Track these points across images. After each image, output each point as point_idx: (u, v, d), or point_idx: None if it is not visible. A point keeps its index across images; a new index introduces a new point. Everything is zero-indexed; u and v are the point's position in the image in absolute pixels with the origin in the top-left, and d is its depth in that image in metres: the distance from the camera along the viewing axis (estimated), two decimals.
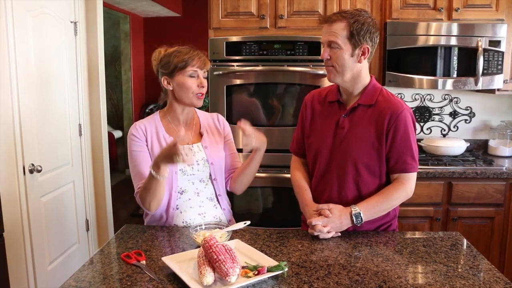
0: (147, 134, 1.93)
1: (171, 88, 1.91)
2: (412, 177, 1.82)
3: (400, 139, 1.77)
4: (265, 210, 3.26)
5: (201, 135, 2.02)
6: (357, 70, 1.80)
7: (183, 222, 1.91)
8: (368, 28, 1.74)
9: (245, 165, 2.04)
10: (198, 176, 1.95)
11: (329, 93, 1.94)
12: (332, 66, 1.79)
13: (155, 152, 1.89)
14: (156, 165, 1.71)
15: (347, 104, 1.87)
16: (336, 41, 1.74)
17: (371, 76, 1.87)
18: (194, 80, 1.88)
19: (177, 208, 1.92)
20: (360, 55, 1.77)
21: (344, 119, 1.84)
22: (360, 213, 1.74)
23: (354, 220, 1.73)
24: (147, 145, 1.92)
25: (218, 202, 2.02)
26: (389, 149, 1.79)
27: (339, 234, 1.75)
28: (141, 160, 1.90)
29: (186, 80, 1.87)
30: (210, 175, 1.99)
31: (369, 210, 1.76)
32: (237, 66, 3.05)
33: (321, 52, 1.82)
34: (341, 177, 1.84)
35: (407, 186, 1.81)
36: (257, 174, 3.08)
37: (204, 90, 1.92)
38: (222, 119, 2.12)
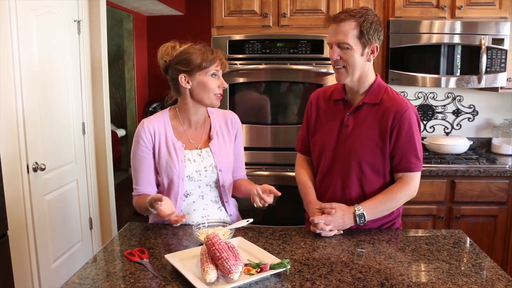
0: (155, 138, 1.87)
1: (189, 87, 1.83)
2: (416, 176, 1.82)
3: (404, 138, 1.77)
4: (268, 208, 3.25)
5: (210, 138, 1.96)
6: (366, 69, 1.80)
7: (186, 225, 1.90)
8: (376, 27, 1.74)
9: (248, 192, 1.87)
10: (205, 181, 1.93)
11: (334, 91, 1.94)
12: (343, 67, 1.77)
13: (162, 156, 1.86)
14: (151, 205, 1.72)
15: (352, 102, 1.86)
16: (347, 41, 1.72)
17: (376, 75, 1.86)
18: (215, 80, 1.84)
19: (181, 211, 1.91)
20: (369, 53, 1.76)
21: (349, 117, 1.84)
22: (363, 213, 1.74)
23: (357, 220, 1.73)
24: (153, 149, 1.88)
25: (225, 208, 1.99)
26: (393, 147, 1.79)
27: (341, 232, 1.75)
28: (143, 166, 1.88)
29: (208, 79, 1.82)
30: (218, 180, 1.96)
31: (372, 210, 1.76)
32: (240, 64, 3.05)
33: (330, 52, 1.78)
34: (345, 175, 1.84)
35: (411, 185, 1.81)
36: (261, 172, 3.12)
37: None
38: (236, 120, 2.04)
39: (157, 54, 1.90)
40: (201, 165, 1.89)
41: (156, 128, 1.88)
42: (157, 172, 1.91)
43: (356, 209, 1.74)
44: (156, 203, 1.68)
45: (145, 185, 1.89)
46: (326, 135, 1.89)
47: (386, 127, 1.77)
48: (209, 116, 1.99)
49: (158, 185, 1.94)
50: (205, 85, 1.82)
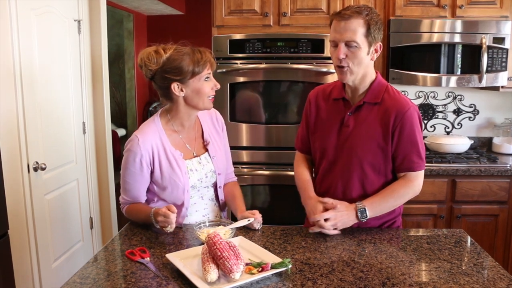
0: (154, 156, 1.80)
1: (183, 95, 1.78)
2: (419, 175, 1.81)
3: (406, 138, 1.76)
4: (267, 208, 3.26)
5: (204, 142, 1.95)
6: (368, 68, 1.78)
7: (186, 224, 1.90)
8: (380, 25, 1.73)
9: (234, 207, 1.95)
10: (204, 185, 1.93)
11: (333, 89, 1.92)
12: (347, 66, 1.73)
13: (164, 170, 1.81)
14: (156, 219, 1.72)
15: (353, 101, 1.85)
16: (355, 40, 1.68)
17: (376, 73, 1.85)
18: (209, 83, 1.80)
19: (186, 217, 1.91)
20: (373, 52, 1.75)
21: (349, 117, 1.83)
22: (365, 208, 1.73)
23: (359, 216, 1.72)
24: (153, 166, 1.82)
25: (219, 206, 2.02)
26: (395, 148, 1.78)
27: (339, 232, 1.74)
28: (135, 182, 1.84)
29: (203, 84, 1.77)
30: (215, 183, 1.97)
31: (375, 207, 1.76)
32: (240, 64, 3.05)
33: (332, 50, 1.75)
34: (346, 175, 1.83)
35: (414, 183, 1.80)
36: (260, 172, 3.12)
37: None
38: (220, 117, 2.05)
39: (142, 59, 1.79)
40: (202, 172, 1.90)
41: (154, 143, 1.81)
42: (158, 186, 1.87)
43: (357, 205, 1.74)
44: (162, 222, 1.69)
45: (135, 198, 1.88)
46: (326, 135, 1.89)
47: (387, 127, 1.76)
48: (198, 117, 1.98)
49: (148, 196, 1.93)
50: (199, 91, 1.78)
